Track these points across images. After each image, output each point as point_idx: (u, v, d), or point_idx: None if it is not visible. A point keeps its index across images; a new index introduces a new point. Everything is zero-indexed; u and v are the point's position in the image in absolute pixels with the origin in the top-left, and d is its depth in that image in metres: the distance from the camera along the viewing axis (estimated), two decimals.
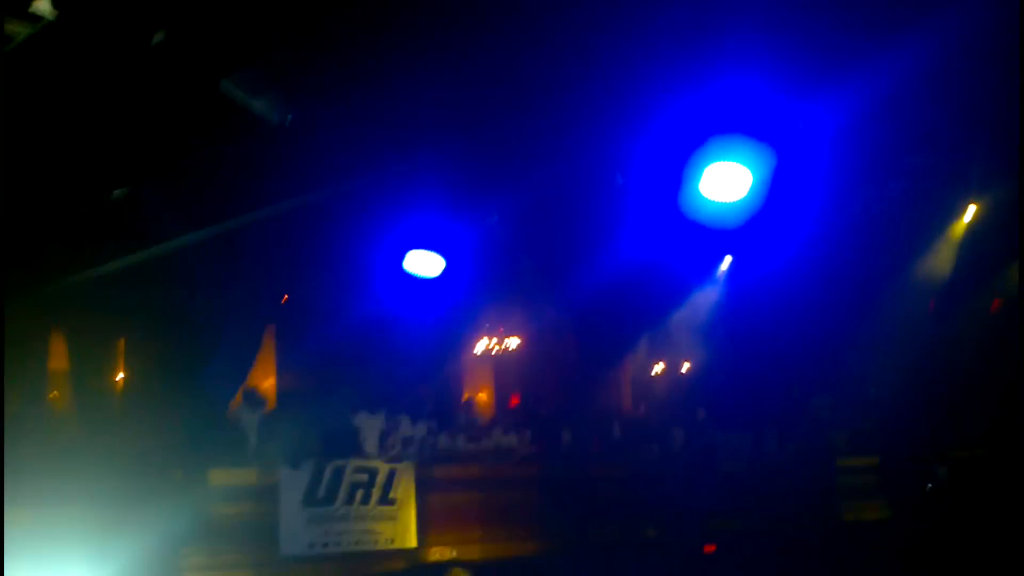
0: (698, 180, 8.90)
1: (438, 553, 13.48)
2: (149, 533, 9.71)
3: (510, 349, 17.40)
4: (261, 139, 7.58)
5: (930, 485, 14.97)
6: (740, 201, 9.07)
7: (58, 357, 11.85)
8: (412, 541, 13.06)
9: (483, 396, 17.73)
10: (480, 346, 17.33)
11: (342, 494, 12.30)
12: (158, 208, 7.83)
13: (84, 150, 7.29)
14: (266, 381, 14.40)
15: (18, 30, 6.01)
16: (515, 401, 17.40)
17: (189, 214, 8.12)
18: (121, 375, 12.33)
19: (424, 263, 9.72)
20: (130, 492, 10.02)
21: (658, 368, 19.31)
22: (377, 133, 8.60)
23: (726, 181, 8.94)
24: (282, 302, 12.47)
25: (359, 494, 12.48)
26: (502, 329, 17.33)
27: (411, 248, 9.82)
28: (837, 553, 15.98)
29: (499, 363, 17.79)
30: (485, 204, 10.13)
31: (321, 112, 7.55)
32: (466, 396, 16.69)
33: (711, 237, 13.16)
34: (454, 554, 13.56)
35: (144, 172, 7.57)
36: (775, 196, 9.17)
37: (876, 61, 8.27)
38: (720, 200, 9.06)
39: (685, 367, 19.06)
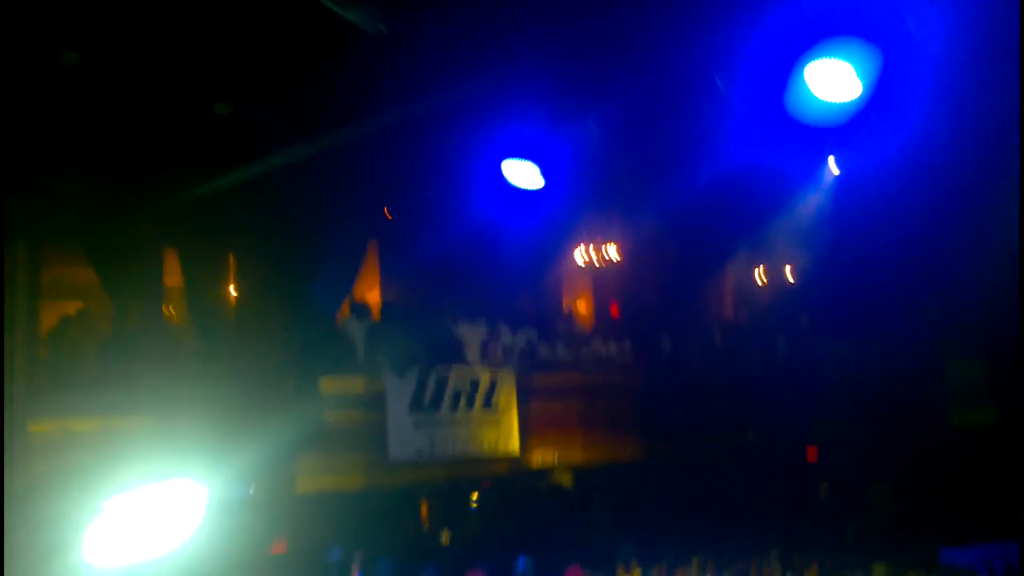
0: (804, 78, 8.63)
1: (540, 457, 13.72)
2: (264, 439, 10.08)
3: (610, 258, 17.30)
4: (360, 51, 7.57)
5: None
6: (847, 101, 8.78)
7: (173, 273, 12.24)
8: (515, 446, 13.31)
9: (582, 305, 17.74)
10: (579, 255, 17.27)
11: (446, 400, 12.56)
12: (262, 124, 7.93)
13: (187, 69, 7.40)
14: (371, 292, 14.66)
15: None
16: (615, 310, 17.38)
17: (292, 129, 8.21)
18: (233, 289, 12.68)
19: (525, 173, 9.68)
20: (245, 400, 10.41)
21: (760, 275, 19.00)
22: (474, 42, 8.52)
23: (833, 80, 8.65)
24: (385, 214, 12.58)
25: (463, 400, 12.73)
26: (601, 238, 17.22)
27: (510, 157, 9.77)
28: (944, 458, 15.76)
29: (598, 273, 17.73)
30: (584, 112, 9.98)
31: (418, 22, 7.49)
32: (566, 305, 16.75)
33: (816, 138, 12.78)
34: (555, 459, 13.79)
35: (246, 87, 7.66)
36: (884, 95, 8.84)
37: None
38: (827, 99, 8.78)
39: (788, 273, 18.73)
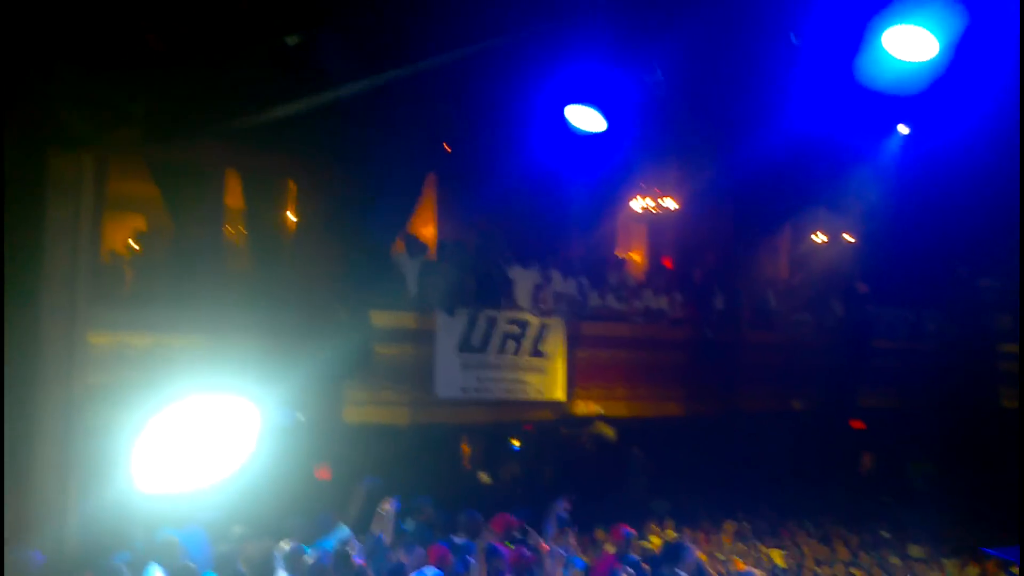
0: (879, 42, 8.44)
1: (584, 407, 13.78)
2: (313, 367, 10.21)
3: (666, 210, 17.13)
4: None
5: None
6: (922, 65, 8.58)
7: (234, 194, 12.38)
8: (560, 394, 13.37)
9: (636, 256, 17.64)
10: (636, 205, 17.12)
11: (495, 343, 12.64)
12: (330, 53, 7.95)
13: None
14: (426, 228, 14.71)
15: None
16: (668, 263, 17.26)
17: (359, 63, 8.22)
18: (291, 215, 12.81)
19: (587, 117, 9.60)
20: (297, 327, 10.53)
21: (818, 239, 18.76)
22: None
23: (908, 44, 8.45)
24: (445, 150, 12.54)
25: (511, 344, 12.80)
26: (658, 189, 17.04)
27: (572, 102, 9.69)
28: (991, 439, 15.57)
29: (654, 223, 17.57)
30: (650, 59, 9.84)
31: None
32: (619, 254, 16.66)
33: (885, 105, 12.51)
34: (600, 409, 13.84)
35: (317, 17, 7.67)
36: (960, 61, 8.62)
37: None
38: (901, 61, 8.58)
39: (847, 239, 18.46)
